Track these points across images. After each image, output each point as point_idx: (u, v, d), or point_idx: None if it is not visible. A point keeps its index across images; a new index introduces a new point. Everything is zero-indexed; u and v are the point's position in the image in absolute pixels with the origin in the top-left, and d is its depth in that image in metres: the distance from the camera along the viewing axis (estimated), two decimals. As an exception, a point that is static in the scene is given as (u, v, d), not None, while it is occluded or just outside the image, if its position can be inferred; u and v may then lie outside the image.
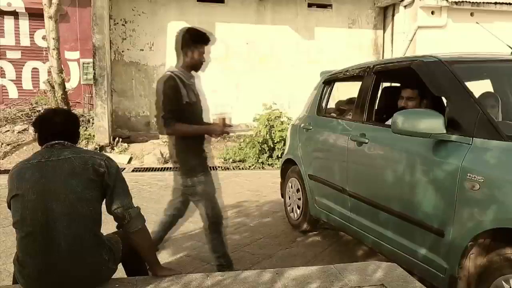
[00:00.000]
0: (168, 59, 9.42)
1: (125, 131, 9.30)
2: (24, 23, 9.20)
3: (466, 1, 9.17)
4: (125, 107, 9.40)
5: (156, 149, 8.32)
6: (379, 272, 2.20)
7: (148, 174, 7.06)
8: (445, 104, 2.52)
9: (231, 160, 8.14)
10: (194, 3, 9.44)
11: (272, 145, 8.00)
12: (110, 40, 9.08)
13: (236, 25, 9.66)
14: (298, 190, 4.10)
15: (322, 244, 3.78)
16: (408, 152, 2.58)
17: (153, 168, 7.63)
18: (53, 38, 8.21)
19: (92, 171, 1.91)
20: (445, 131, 2.25)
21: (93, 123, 8.63)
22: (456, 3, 9.13)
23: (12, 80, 9.30)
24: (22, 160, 2.01)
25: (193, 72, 2.85)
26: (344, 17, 10.12)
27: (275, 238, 3.89)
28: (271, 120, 8.05)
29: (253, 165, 7.89)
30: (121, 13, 9.20)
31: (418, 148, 2.47)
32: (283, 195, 4.55)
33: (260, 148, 8.04)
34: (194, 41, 2.74)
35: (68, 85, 8.92)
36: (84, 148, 2.11)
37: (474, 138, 2.16)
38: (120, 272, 2.20)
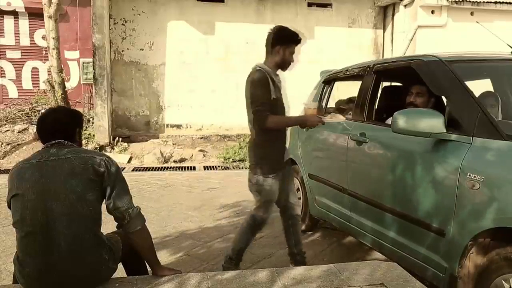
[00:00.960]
0: (168, 59, 9.43)
1: (125, 130, 9.30)
2: (24, 23, 9.20)
3: (466, 0, 9.16)
4: (125, 106, 9.40)
5: (156, 148, 8.33)
6: (379, 272, 2.20)
7: (148, 174, 7.06)
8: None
9: (231, 159, 8.15)
10: (194, 3, 9.43)
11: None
12: (110, 40, 9.08)
13: (236, 25, 9.65)
14: (298, 190, 4.10)
15: (322, 244, 3.78)
16: (408, 151, 2.57)
17: (153, 167, 7.63)
18: (53, 38, 8.20)
19: (92, 171, 1.91)
20: (445, 131, 2.25)
21: (93, 123, 8.63)
22: (456, 2, 9.12)
23: (12, 80, 9.30)
24: (22, 160, 2.00)
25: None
26: (344, 17, 10.11)
27: (275, 238, 3.89)
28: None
29: (253, 164, 7.88)
30: (121, 12, 9.19)
31: (418, 147, 2.47)
32: (283, 195, 4.54)
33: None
34: (286, 40, 2.76)
35: (68, 85, 8.92)
36: (84, 147, 2.09)
37: (474, 137, 2.15)
38: (120, 271, 2.20)
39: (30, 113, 8.85)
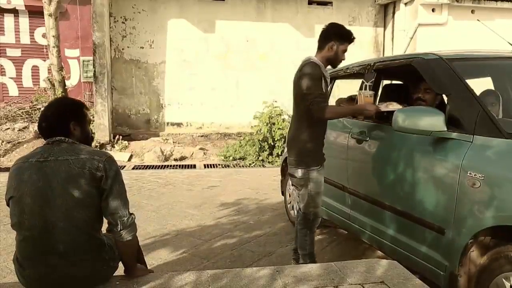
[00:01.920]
0: (168, 57, 9.42)
1: (125, 128, 9.30)
2: (24, 21, 9.18)
3: (466, -2, 9.16)
4: (125, 104, 9.40)
5: (157, 146, 8.33)
6: (380, 270, 2.20)
7: (148, 172, 7.07)
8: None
9: (231, 157, 8.14)
10: (194, 1, 9.42)
11: (272, 143, 8.00)
12: (110, 38, 9.07)
13: (236, 23, 9.64)
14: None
15: (322, 242, 3.78)
16: (409, 149, 2.57)
17: (153, 165, 7.64)
18: (53, 36, 8.20)
19: (89, 175, 1.84)
20: (445, 129, 2.24)
21: (93, 121, 8.62)
22: (457, 0, 9.10)
23: (12, 78, 9.29)
24: (22, 157, 1.97)
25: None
26: (345, 15, 10.09)
27: (275, 236, 3.90)
28: (272, 118, 8.05)
29: (253, 162, 7.89)
30: (121, 10, 9.18)
31: (419, 145, 2.47)
32: (283, 193, 4.55)
33: (260, 146, 8.04)
34: (341, 37, 2.77)
35: (68, 83, 8.91)
36: (84, 146, 2.04)
37: (474, 135, 2.15)
38: (120, 270, 2.20)
39: (30, 111, 8.84)
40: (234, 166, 7.74)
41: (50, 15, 8.14)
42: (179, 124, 9.61)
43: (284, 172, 4.47)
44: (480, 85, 2.65)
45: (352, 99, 3.61)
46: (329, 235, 3.94)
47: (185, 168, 7.53)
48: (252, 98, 9.15)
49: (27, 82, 9.36)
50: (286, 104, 8.88)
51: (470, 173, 2.06)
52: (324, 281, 2.07)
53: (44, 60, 9.23)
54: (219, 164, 7.85)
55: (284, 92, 9.43)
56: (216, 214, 4.60)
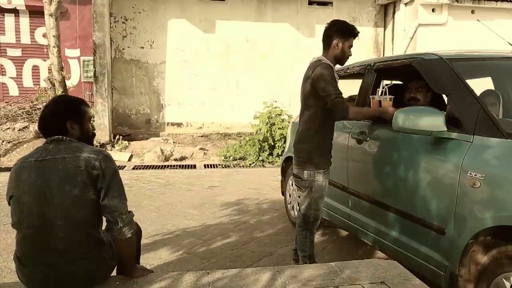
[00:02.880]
0: (168, 57, 9.43)
1: (125, 128, 9.30)
2: (25, 21, 9.20)
3: (466, -1, 9.17)
4: (125, 104, 9.41)
5: (157, 146, 8.33)
6: (380, 270, 2.20)
7: (148, 172, 7.07)
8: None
9: (231, 157, 8.15)
10: (194, 1, 9.42)
11: (272, 143, 8.00)
12: (111, 38, 9.08)
13: (237, 23, 9.65)
14: (298, 188, 4.10)
15: (323, 242, 3.78)
16: (409, 150, 2.57)
17: (153, 166, 7.64)
18: (54, 36, 8.20)
19: (86, 173, 1.84)
20: (446, 129, 2.24)
21: (93, 121, 8.63)
22: (457, 0, 9.11)
23: (12, 78, 9.31)
24: (22, 157, 1.98)
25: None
26: (345, 15, 10.09)
27: (275, 236, 3.90)
28: (271, 118, 8.05)
29: (253, 162, 7.89)
30: (122, 10, 9.19)
31: (419, 146, 2.47)
32: (283, 193, 4.55)
33: (260, 146, 8.04)
34: (345, 33, 2.74)
35: (68, 83, 8.92)
36: (83, 144, 2.02)
37: (475, 135, 2.15)
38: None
39: (30, 111, 8.85)
40: (234, 166, 7.74)
41: (50, 15, 8.15)
42: (179, 124, 9.62)
43: (284, 172, 4.47)
44: (480, 85, 2.65)
45: (352, 99, 3.60)
46: (329, 235, 3.94)
47: (185, 168, 7.53)
48: (252, 98, 9.16)
49: (28, 82, 9.38)
50: (286, 104, 8.91)
51: (470, 173, 2.06)
52: (324, 281, 2.07)
53: (45, 60, 9.24)
54: (219, 164, 7.86)
55: (284, 92, 9.46)
56: (216, 214, 4.60)
